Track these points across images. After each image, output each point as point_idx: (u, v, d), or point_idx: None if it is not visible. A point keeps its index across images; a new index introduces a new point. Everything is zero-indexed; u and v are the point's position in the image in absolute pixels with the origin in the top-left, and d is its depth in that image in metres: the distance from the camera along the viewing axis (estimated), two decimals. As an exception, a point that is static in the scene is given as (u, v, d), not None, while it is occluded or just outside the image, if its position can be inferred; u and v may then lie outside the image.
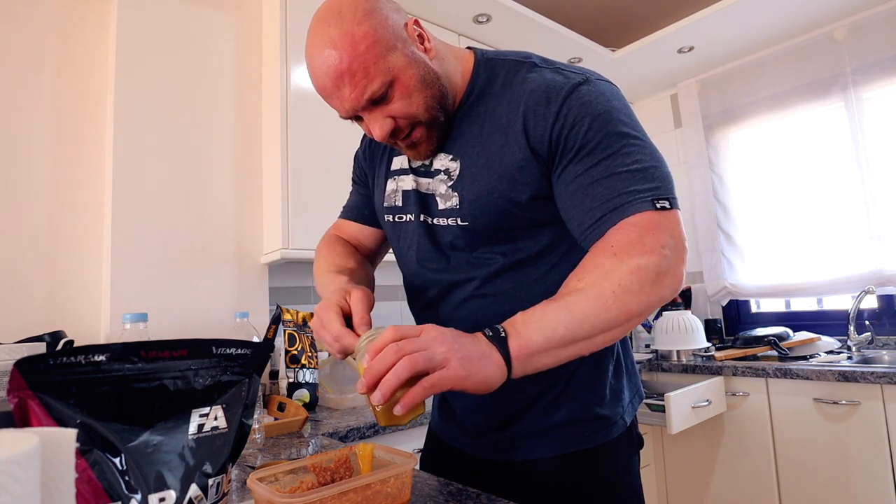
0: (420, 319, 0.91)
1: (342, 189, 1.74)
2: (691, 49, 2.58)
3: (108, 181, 1.56)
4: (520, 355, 0.61)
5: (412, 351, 0.57)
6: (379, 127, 0.73)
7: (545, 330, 0.61)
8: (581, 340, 0.63)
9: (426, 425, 1.02)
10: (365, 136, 1.01)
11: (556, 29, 2.35)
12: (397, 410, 0.57)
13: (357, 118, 0.76)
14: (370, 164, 0.98)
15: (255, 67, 1.86)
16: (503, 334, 0.61)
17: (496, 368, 0.60)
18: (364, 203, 1.01)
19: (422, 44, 0.75)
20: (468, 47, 0.86)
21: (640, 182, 0.68)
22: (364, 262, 0.97)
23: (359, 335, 0.68)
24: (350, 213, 1.05)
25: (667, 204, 0.67)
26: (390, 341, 0.58)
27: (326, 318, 0.72)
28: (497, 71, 0.80)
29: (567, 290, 0.65)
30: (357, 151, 1.03)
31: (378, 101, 0.71)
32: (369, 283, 0.91)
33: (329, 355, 1.84)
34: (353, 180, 1.05)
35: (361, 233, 1.03)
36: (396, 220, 0.88)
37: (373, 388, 0.57)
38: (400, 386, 0.56)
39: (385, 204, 0.89)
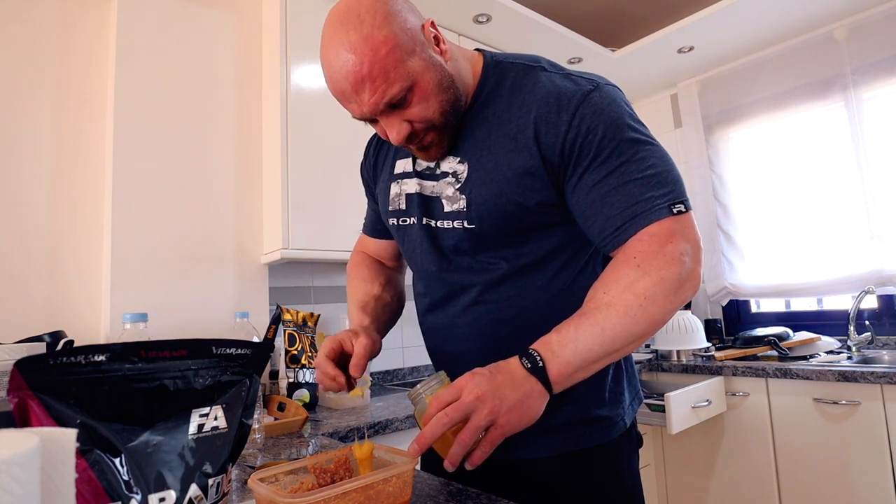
0: (424, 322, 0.92)
1: (342, 189, 1.75)
2: (691, 49, 2.58)
3: (108, 181, 1.56)
4: (559, 379, 0.64)
5: (460, 417, 0.61)
6: (396, 132, 0.73)
7: (581, 351, 0.64)
8: (613, 353, 0.66)
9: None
10: (367, 148, 1.02)
11: (556, 29, 2.35)
12: (468, 467, 0.64)
13: (372, 120, 0.76)
14: (373, 172, 0.99)
15: (255, 67, 1.86)
16: (541, 364, 0.64)
17: (540, 401, 0.64)
18: (377, 218, 1.03)
19: (437, 46, 0.74)
20: (476, 49, 0.86)
21: (656, 188, 0.69)
22: (389, 281, 1.01)
23: (353, 373, 0.77)
24: (366, 228, 1.08)
25: (682, 207, 0.69)
26: (435, 413, 0.62)
27: (320, 354, 0.80)
28: (506, 74, 0.80)
29: (595, 304, 0.67)
30: (361, 165, 1.04)
31: (396, 105, 0.71)
32: (393, 305, 0.98)
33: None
34: (366, 195, 1.07)
35: (379, 246, 1.05)
36: (400, 223, 0.88)
37: (421, 454, 0.63)
38: (464, 456, 0.63)
39: (389, 208, 0.90)
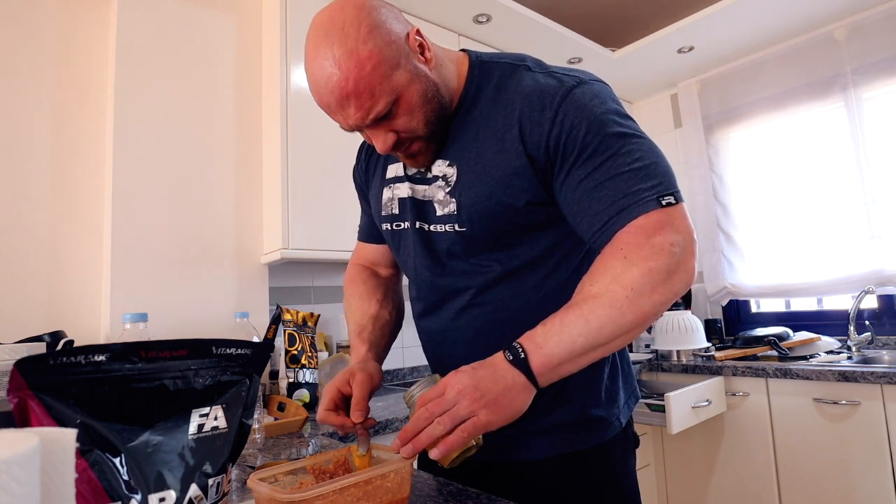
0: (420, 325, 0.92)
1: (342, 189, 1.75)
2: (691, 49, 2.58)
3: (108, 181, 1.56)
4: (543, 371, 0.63)
5: (441, 412, 0.62)
6: (382, 141, 0.74)
7: (566, 343, 0.63)
8: (600, 346, 0.65)
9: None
10: (359, 152, 1.02)
11: (555, 29, 2.35)
12: (434, 455, 0.62)
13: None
14: (365, 177, 0.99)
15: (255, 67, 1.86)
16: (523, 355, 0.64)
17: (523, 394, 0.63)
18: (371, 222, 1.02)
19: (422, 55, 0.74)
20: (462, 49, 0.86)
21: (643, 180, 0.68)
22: (387, 293, 1.00)
23: (353, 419, 0.75)
24: (362, 234, 1.07)
25: (672, 199, 0.67)
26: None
27: (321, 409, 0.78)
28: (491, 74, 0.80)
29: (582, 297, 0.66)
30: (353, 169, 1.04)
31: (381, 119, 0.72)
32: (392, 322, 0.97)
33: (329, 355, 1.84)
34: (360, 199, 1.06)
35: (376, 252, 1.04)
36: (394, 227, 0.88)
37: (403, 447, 0.63)
38: (431, 443, 0.62)
39: (382, 213, 0.89)
